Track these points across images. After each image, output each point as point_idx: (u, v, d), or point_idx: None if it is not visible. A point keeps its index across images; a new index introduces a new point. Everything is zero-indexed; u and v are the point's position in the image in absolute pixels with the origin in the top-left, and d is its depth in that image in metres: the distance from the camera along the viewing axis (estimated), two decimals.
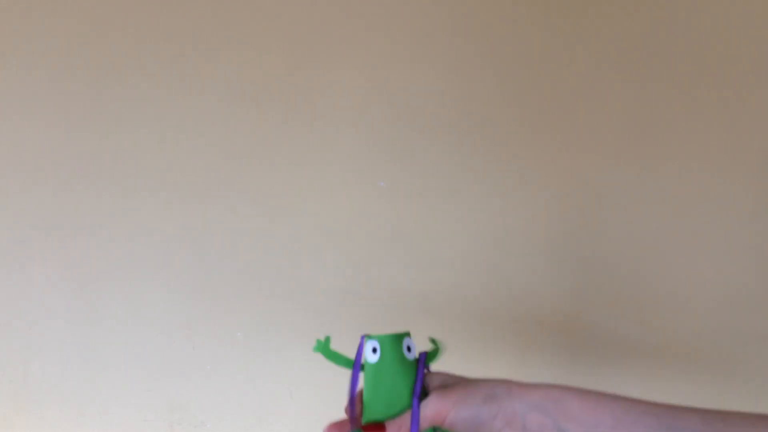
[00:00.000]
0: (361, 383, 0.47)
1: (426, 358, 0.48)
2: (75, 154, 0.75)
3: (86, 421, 0.75)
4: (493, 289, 0.71)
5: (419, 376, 0.46)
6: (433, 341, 0.50)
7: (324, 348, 0.48)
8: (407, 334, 0.48)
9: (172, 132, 0.74)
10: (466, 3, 0.71)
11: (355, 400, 0.47)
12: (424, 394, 0.46)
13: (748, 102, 0.68)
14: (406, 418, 0.45)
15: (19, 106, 0.76)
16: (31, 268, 0.76)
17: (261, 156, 0.74)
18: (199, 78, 0.74)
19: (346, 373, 0.47)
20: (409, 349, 0.48)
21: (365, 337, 0.48)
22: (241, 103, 0.74)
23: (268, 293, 0.73)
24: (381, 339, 0.47)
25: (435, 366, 0.48)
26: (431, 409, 0.44)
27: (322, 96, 0.73)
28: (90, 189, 0.75)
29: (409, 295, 0.72)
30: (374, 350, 0.47)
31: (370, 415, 0.46)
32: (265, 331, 0.74)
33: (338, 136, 0.73)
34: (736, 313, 0.68)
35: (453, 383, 0.46)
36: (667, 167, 0.69)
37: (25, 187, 0.76)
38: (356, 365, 0.48)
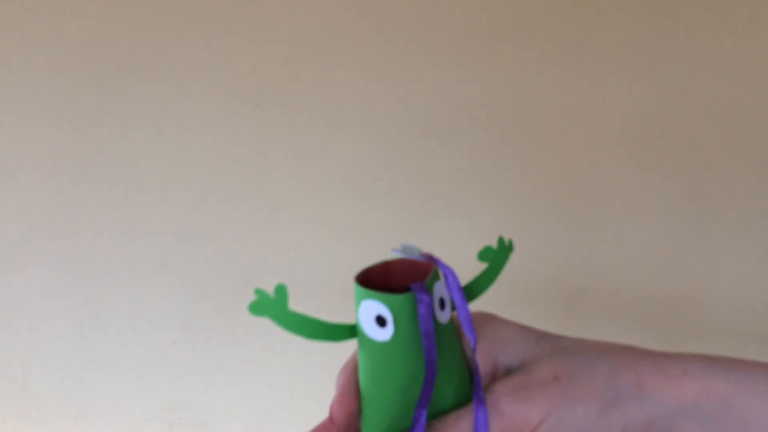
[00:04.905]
0: (347, 360, 0.29)
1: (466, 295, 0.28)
2: (75, 154, 0.75)
3: (86, 421, 0.75)
4: (494, 290, 0.71)
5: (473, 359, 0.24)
6: (486, 254, 0.29)
7: (275, 307, 0.27)
8: (436, 275, 0.27)
9: (172, 132, 0.74)
10: (466, 3, 0.71)
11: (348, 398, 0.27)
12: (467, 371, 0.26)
13: (750, 101, 0.68)
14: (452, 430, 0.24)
15: (18, 105, 0.76)
16: (31, 269, 0.76)
17: (261, 156, 0.73)
18: (199, 78, 0.74)
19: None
20: (443, 303, 0.26)
21: (358, 290, 0.26)
22: (242, 103, 0.74)
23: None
24: (392, 303, 0.25)
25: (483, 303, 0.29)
26: (501, 424, 0.23)
27: (322, 96, 0.73)
28: (90, 189, 0.75)
29: None
30: (381, 321, 0.26)
31: (374, 425, 0.28)
32: (265, 331, 0.73)
33: (338, 136, 0.73)
34: (736, 314, 0.68)
35: (527, 357, 0.26)
36: (667, 167, 0.69)
37: (25, 187, 0.76)
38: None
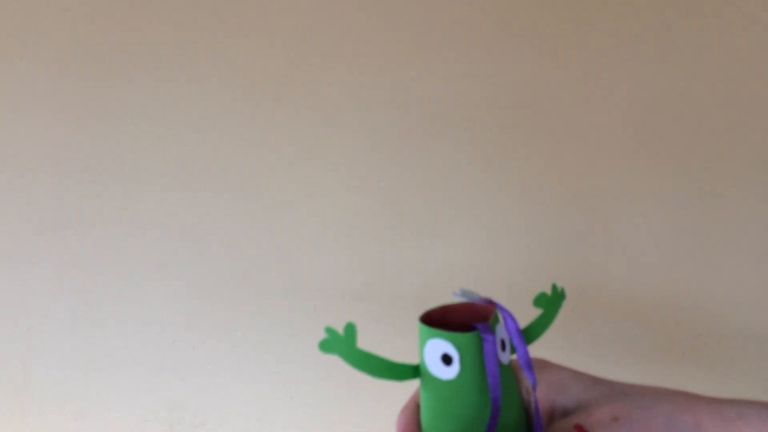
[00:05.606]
0: (406, 394, 0.30)
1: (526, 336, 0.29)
2: (74, 154, 0.75)
3: (86, 421, 0.75)
4: (493, 291, 0.71)
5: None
6: (541, 300, 0.30)
7: (344, 345, 0.27)
8: (496, 318, 0.28)
9: (172, 131, 0.74)
10: (464, 3, 0.71)
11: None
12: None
13: (754, 101, 0.68)
14: None
15: (18, 102, 0.76)
16: (31, 268, 0.76)
17: (261, 155, 0.73)
18: (199, 77, 0.74)
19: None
20: (503, 345, 0.28)
21: (424, 330, 0.28)
22: (242, 102, 0.74)
23: (268, 293, 0.73)
24: (459, 341, 0.27)
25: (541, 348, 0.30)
26: None
27: (322, 96, 0.73)
28: (89, 188, 0.75)
29: (409, 296, 0.72)
30: (447, 359, 0.27)
31: None
32: (265, 331, 0.74)
33: (338, 136, 0.73)
34: (735, 314, 0.68)
35: (584, 400, 0.27)
36: (668, 167, 0.69)
37: (25, 187, 0.76)
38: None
